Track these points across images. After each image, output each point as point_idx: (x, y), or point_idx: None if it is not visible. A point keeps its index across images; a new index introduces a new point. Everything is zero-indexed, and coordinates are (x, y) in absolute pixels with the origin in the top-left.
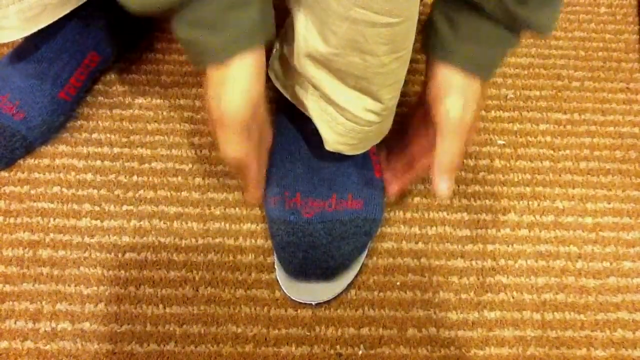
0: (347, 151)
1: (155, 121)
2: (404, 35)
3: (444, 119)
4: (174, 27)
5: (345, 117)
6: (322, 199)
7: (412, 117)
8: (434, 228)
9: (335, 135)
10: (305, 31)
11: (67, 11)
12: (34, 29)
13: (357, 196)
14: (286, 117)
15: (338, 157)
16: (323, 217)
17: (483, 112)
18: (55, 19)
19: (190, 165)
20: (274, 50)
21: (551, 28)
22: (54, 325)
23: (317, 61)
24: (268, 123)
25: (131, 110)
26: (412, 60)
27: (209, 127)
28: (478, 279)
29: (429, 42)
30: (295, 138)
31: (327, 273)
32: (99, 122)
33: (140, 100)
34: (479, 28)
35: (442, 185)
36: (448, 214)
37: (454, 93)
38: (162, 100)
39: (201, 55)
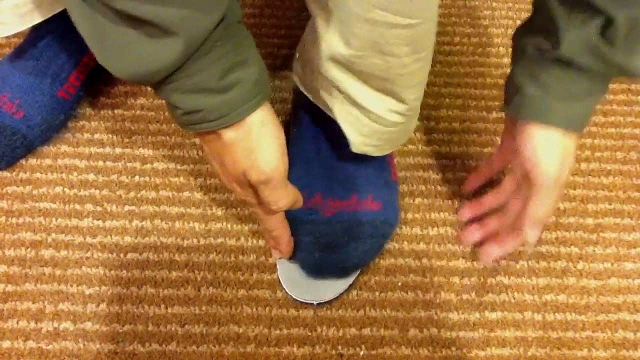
0: (373, 152)
1: (157, 121)
2: (424, 36)
3: (541, 178)
4: (166, 95)
5: (370, 119)
6: (343, 199)
7: (502, 183)
8: (436, 229)
9: (361, 136)
10: (327, 34)
11: (63, 8)
12: (28, 25)
13: (377, 198)
14: (304, 117)
15: (357, 159)
16: (342, 217)
17: (484, 114)
18: (50, 15)
19: (192, 166)
20: (297, 54)
21: None
22: (56, 325)
23: (340, 64)
24: None
25: (133, 111)
26: (433, 60)
27: (229, 186)
28: (479, 280)
29: (513, 103)
30: (313, 138)
31: (342, 273)
32: (101, 122)
33: (142, 101)
34: (572, 84)
35: (532, 235)
36: (449, 215)
37: (553, 153)
38: (163, 101)
39: (206, 119)
